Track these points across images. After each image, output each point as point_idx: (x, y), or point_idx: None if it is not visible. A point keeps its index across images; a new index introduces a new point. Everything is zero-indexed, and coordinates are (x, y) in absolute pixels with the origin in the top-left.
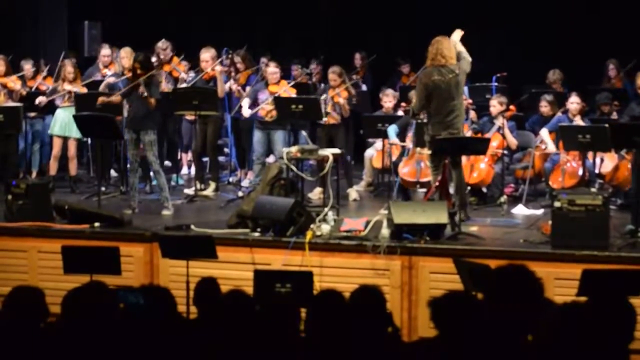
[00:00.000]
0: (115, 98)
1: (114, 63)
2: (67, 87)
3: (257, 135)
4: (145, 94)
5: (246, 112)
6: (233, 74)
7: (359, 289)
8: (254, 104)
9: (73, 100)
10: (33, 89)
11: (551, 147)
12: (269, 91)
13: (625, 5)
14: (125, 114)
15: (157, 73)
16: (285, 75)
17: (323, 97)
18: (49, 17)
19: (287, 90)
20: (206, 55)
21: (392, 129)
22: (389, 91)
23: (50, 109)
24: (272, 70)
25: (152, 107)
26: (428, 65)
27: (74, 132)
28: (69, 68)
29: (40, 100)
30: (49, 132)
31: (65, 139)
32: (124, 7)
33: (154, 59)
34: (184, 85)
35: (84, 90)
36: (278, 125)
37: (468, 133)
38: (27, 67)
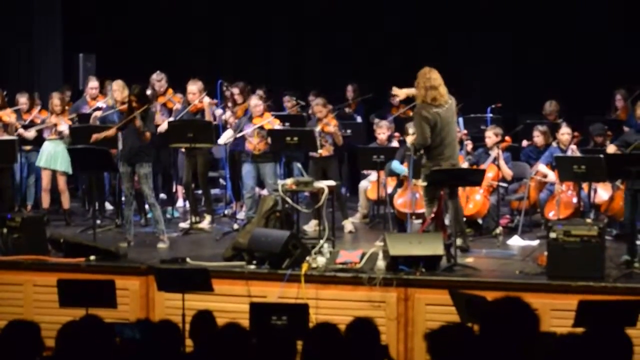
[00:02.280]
0: (111, 132)
1: (102, 95)
2: (54, 119)
3: (247, 168)
4: (142, 128)
5: (222, 140)
6: (230, 106)
7: (354, 321)
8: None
9: (59, 133)
10: (27, 122)
11: (552, 177)
12: (253, 124)
13: (628, 36)
14: (120, 147)
15: (152, 106)
16: (278, 107)
17: (317, 129)
18: (43, 50)
19: (270, 121)
20: (193, 87)
21: (398, 164)
22: (383, 123)
23: (40, 141)
24: (254, 103)
25: (147, 141)
26: (424, 102)
27: (59, 165)
28: (55, 100)
29: (26, 133)
30: (36, 164)
31: (53, 172)
32: (119, 39)
33: (148, 91)
34: (169, 118)
35: (69, 123)
36: (266, 158)
37: (464, 164)
38: (22, 100)
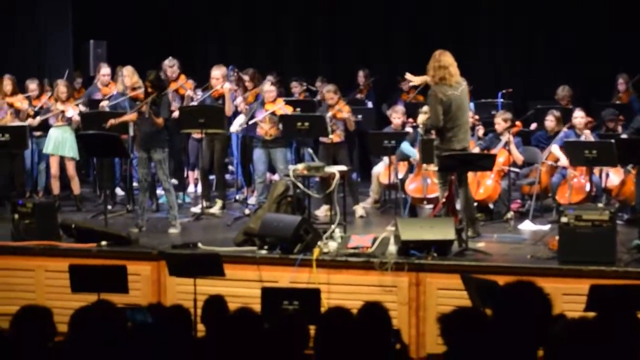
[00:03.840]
0: (132, 117)
1: (114, 82)
2: (60, 106)
3: (258, 154)
4: (148, 113)
5: (234, 127)
6: (241, 92)
7: (365, 306)
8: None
9: (66, 119)
10: (37, 109)
11: (564, 161)
12: (265, 109)
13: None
14: (131, 132)
15: (167, 92)
16: (288, 92)
17: (328, 115)
18: (54, 37)
19: (282, 107)
20: (217, 72)
21: (408, 145)
22: (399, 107)
23: (46, 128)
24: (267, 88)
25: (160, 127)
26: (436, 83)
27: (67, 151)
28: (61, 87)
29: (36, 121)
30: (44, 151)
31: (62, 158)
32: (129, 25)
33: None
34: (191, 103)
35: (77, 109)
36: (278, 143)
37: (475, 149)
38: (32, 86)
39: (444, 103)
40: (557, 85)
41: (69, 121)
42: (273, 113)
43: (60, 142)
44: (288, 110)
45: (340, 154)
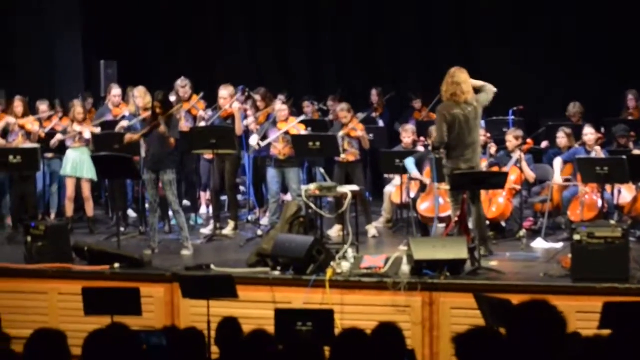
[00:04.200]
0: (136, 137)
1: (125, 103)
2: (77, 127)
3: (271, 174)
4: (166, 134)
5: (253, 141)
6: (253, 112)
7: (379, 326)
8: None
9: (84, 140)
10: (48, 130)
11: (557, 178)
12: (278, 129)
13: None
14: (143, 154)
15: (176, 112)
16: (299, 112)
17: (340, 134)
18: (65, 57)
19: (295, 126)
20: (224, 92)
21: (411, 162)
22: (409, 126)
23: (62, 149)
24: (279, 107)
25: (172, 147)
26: (447, 99)
27: (85, 173)
28: (78, 109)
29: (53, 141)
30: (61, 173)
31: (78, 180)
32: (140, 45)
33: (172, 98)
34: (202, 123)
35: (94, 130)
36: (291, 163)
37: (486, 167)
38: (43, 108)
39: (448, 121)
40: (568, 102)
41: (86, 142)
42: (286, 132)
43: (79, 164)
44: (301, 129)
45: (355, 173)
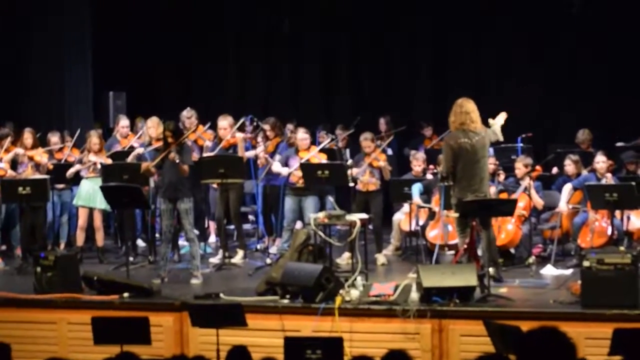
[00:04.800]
0: (153, 169)
1: (133, 134)
2: (92, 158)
3: (289, 203)
4: (178, 159)
5: (283, 170)
6: (262, 141)
7: (388, 354)
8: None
9: (98, 171)
10: (62, 161)
11: (562, 205)
12: (300, 157)
13: None
14: (152, 184)
15: (187, 139)
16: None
17: (363, 166)
18: (73, 89)
19: (316, 155)
20: (224, 122)
21: (417, 188)
22: (419, 154)
23: (77, 180)
24: (302, 136)
25: (185, 174)
26: (455, 129)
27: (99, 203)
28: (94, 139)
29: (70, 172)
30: (74, 203)
31: (90, 210)
32: (148, 76)
33: None
34: (207, 154)
35: (109, 161)
36: (309, 191)
37: (494, 194)
38: (54, 139)
39: (454, 150)
40: (577, 129)
41: (100, 173)
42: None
43: (92, 194)
44: (323, 158)
45: (374, 202)
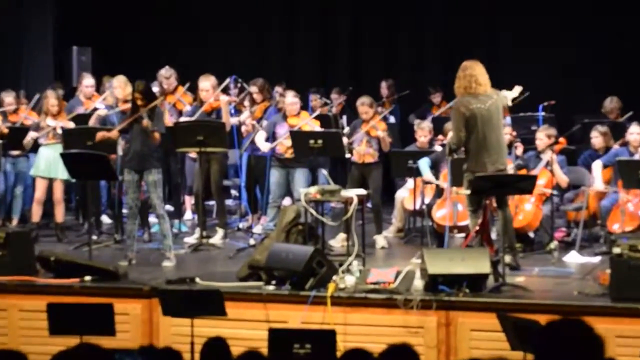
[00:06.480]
0: (113, 134)
1: (98, 95)
2: (50, 122)
3: (275, 175)
4: (150, 127)
5: (264, 145)
6: (248, 105)
7: (389, 349)
8: (272, 138)
9: (58, 136)
10: (18, 125)
11: (598, 184)
12: (289, 124)
13: None
14: (120, 152)
15: (160, 104)
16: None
17: (359, 134)
18: (33, 43)
19: (309, 122)
20: (205, 84)
21: (425, 162)
22: (425, 124)
23: (34, 147)
24: (290, 100)
25: (156, 142)
26: (461, 94)
27: (60, 173)
28: (51, 100)
29: (26, 140)
30: (32, 174)
31: (50, 181)
32: (118, 29)
33: (156, 89)
34: (186, 118)
35: (71, 124)
36: (299, 162)
37: (511, 169)
38: (9, 100)
39: (466, 117)
40: (604, 97)
41: (61, 138)
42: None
43: (52, 163)
44: (316, 125)
45: (372, 175)
